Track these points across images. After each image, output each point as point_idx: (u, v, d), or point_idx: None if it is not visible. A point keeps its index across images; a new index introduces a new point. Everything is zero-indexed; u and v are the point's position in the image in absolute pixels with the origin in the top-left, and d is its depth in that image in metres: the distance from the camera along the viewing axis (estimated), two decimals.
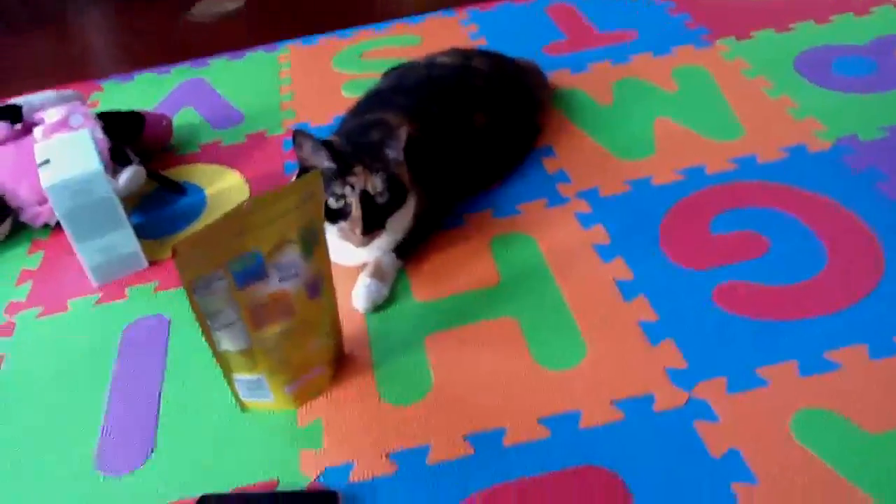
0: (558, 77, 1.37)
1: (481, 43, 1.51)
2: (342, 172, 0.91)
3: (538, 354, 0.88)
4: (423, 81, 1.14)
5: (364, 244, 0.93)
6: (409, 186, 0.97)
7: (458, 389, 0.85)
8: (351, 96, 1.38)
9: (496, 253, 1.02)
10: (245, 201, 0.73)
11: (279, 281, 0.78)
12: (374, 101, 1.14)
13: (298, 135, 0.92)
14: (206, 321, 0.77)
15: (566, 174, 1.14)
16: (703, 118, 1.21)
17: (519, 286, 0.97)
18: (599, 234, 1.03)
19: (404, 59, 1.35)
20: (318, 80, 1.48)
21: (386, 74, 1.32)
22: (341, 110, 1.22)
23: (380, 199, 0.92)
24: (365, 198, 0.91)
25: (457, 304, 0.96)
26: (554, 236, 1.03)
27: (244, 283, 0.76)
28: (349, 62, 1.53)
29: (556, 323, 0.91)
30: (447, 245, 1.04)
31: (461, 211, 1.10)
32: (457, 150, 1.09)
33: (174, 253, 0.70)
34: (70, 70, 1.68)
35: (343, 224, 0.92)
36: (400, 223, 0.98)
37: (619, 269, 0.97)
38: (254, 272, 0.76)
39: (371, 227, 0.92)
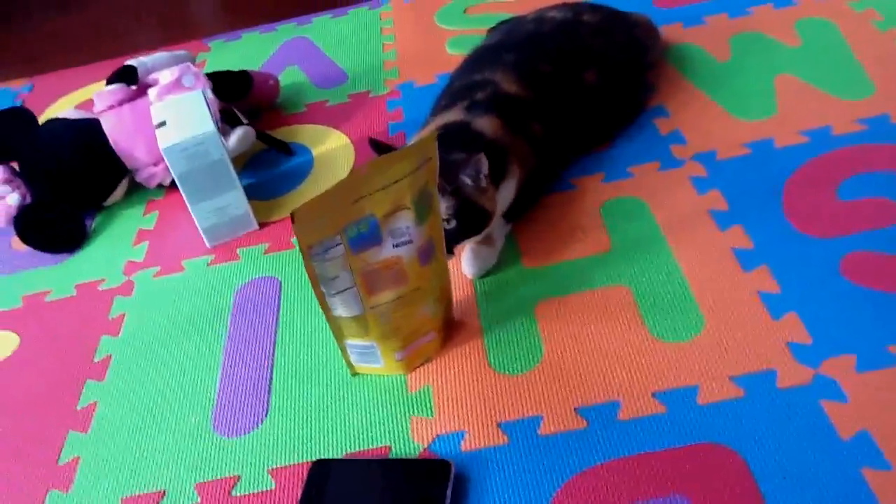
0: (671, 31, 1.30)
1: None
2: None
3: (652, 325, 0.85)
4: (531, 37, 1.11)
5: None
6: (516, 150, 0.94)
7: (570, 360, 0.84)
8: (455, 53, 1.36)
9: (607, 218, 0.99)
10: (362, 166, 0.73)
11: (393, 247, 0.78)
12: (481, 58, 1.12)
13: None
14: (321, 287, 0.77)
15: (680, 135, 1.10)
16: (829, 75, 1.14)
17: (632, 253, 0.94)
18: (717, 199, 0.98)
19: (510, 15, 1.31)
20: (421, 38, 1.46)
21: (491, 30, 1.29)
22: (446, 68, 1.20)
23: (447, 225, 0.88)
24: None
25: (567, 271, 0.94)
26: (668, 201, 1.00)
27: (359, 249, 0.76)
28: (453, 18, 1.50)
29: (671, 293, 0.88)
30: (557, 209, 1.02)
31: (570, 175, 1.07)
32: (566, 109, 1.05)
33: (293, 218, 0.70)
34: (176, 29, 1.71)
35: None
36: (506, 189, 0.95)
37: (738, 237, 0.93)
38: (369, 237, 0.76)
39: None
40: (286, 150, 1.23)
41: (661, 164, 1.06)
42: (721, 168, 1.03)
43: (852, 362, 0.77)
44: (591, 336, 0.85)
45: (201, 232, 1.08)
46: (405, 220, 0.77)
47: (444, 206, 0.87)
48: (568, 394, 0.80)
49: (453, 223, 0.88)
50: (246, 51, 1.55)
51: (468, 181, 0.88)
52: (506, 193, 0.95)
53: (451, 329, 0.90)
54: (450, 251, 0.88)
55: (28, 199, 1.17)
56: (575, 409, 0.79)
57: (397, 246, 0.78)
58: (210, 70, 1.27)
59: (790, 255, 0.89)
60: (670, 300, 0.87)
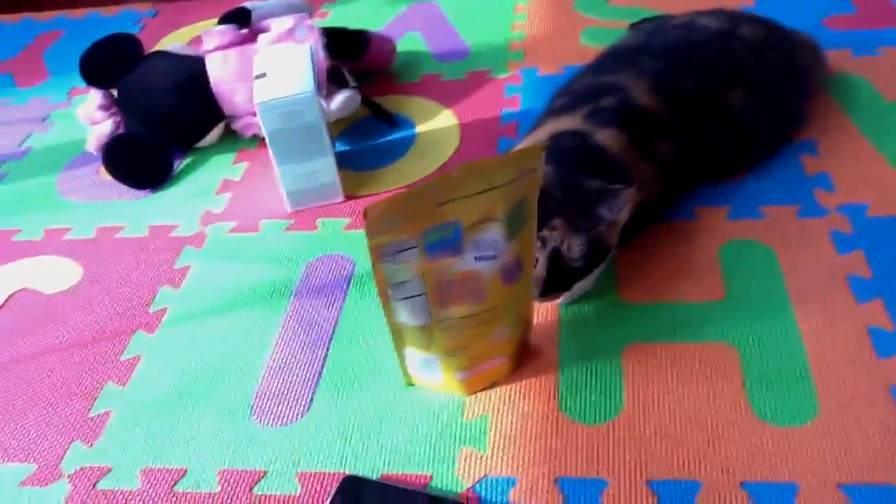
0: (837, 58, 1.15)
1: (749, 5, 1.31)
2: (539, 223, 0.74)
3: (756, 400, 0.73)
4: (677, 45, 0.98)
5: (540, 303, 0.81)
6: (638, 171, 0.83)
7: (652, 420, 0.73)
8: (588, 45, 1.25)
9: (725, 261, 0.87)
10: (455, 167, 0.63)
11: (475, 260, 0.68)
12: (616, 59, 1.00)
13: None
14: (388, 290, 0.69)
15: (828, 179, 0.95)
16: None
17: (747, 308, 0.81)
18: (859, 263, 0.84)
19: (658, 12, 1.19)
20: (555, 22, 1.35)
21: (634, 26, 1.17)
22: (575, 59, 1.09)
23: (572, 264, 0.78)
24: (554, 258, 0.77)
25: (668, 314, 0.82)
26: (800, 255, 0.86)
27: (436, 256, 0.67)
28: (593, 5, 1.38)
29: (785, 365, 0.76)
30: (670, 240, 0.90)
31: (693, 202, 0.95)
32: (703, 131, 0.93)
33: (365, 215, 0.62)
34: None
35: None
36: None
37: (877, 314, 0.79)
38: (449, 245, 0.67)
39: (553, 290, 0.79)
40: (390, 121, 1.15)
41: (801, 209, 0.92)
42: (870, 227, 0.88)
43: None
44: (683, 398, 0.74)
45: (284, 195, 1.01)
46: (493, 233, 0.67)
47: (576, 246, 0.77)
48: (643, 460, 0.70)
49: (581, 262, 0.78)
50: (371, 8, 1.47)
51: (607, 216, 0.78)
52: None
53: (524, 356, 0.80)
54: (567, 289, 0.80)
55: (121, 129, 1.14)
56: (647, 480, 0.68)
57: (480, 259, 0.68)
58: (328, 25, 1.20)
59: None
60: (783, 374, 0.75)
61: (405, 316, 0.71)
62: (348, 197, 1.03)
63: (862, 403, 0.71)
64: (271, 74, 0.97)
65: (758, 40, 1.01)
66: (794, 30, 1.09)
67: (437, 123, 1.15)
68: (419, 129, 1.14)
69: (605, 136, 0.85)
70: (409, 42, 1.34)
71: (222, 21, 1.15)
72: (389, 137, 1.14)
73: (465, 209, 0.65)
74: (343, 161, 1.06)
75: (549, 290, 0.79)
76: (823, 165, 0.98)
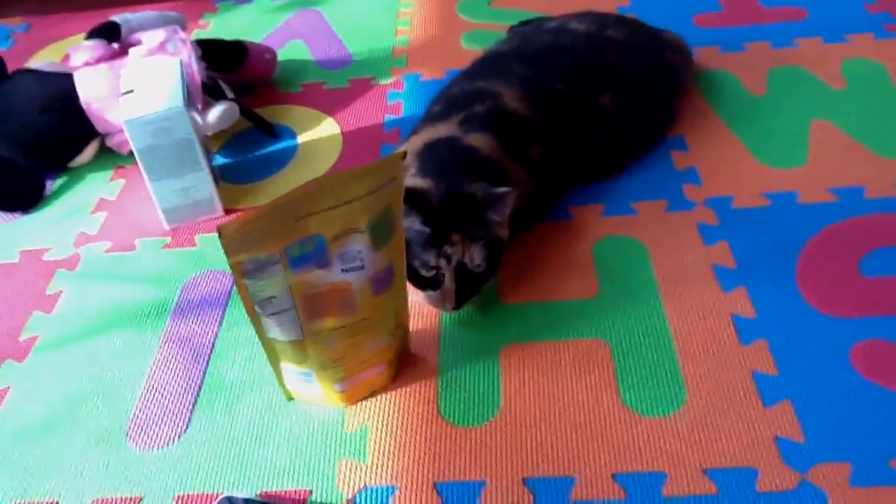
0: (705, 55, 1.19)
1: (625, 5, 1.35)
2: (437, 240, 0.77)
3: (626, 393, 0.75)
4: (548, 50, 1.00)
5: (454, 312, 0.82)
6: (511, 174, 0.85)
7: (528, 419, 0.74)
8: (470, 49, 1.26)
9: (599, 258, 0.89)
10: (312, 181, 0.63)
11: (342, 272, 0.68)
12: (490, 64, 1.01)
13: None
14: (255, 307, 0.68)
15: (696, 174, 0.99)
16: (872, 127, 1.02)
17: (619, 303, 0.84)
18: (724, 254, 0.88)
19: (537, 14, 1.21)
20: (437, 26, 1.36)
21: (510, 30, 1.19)
22: (457, 63, 1.10)
23: (476, 270, 0.79)
24: (461, 270, 0.79)
25: (545, 313, 0.84)
26: (669, 248, 0.89)
27: (302, 270, 0.66)
28: (476, 9, 1.39)
29: (655, 356, 0.78)
30: (546, 240, 0.92)
31: (568, 202, 0.97)
32: (576, 133, 0.95)
33: (220, 234, 0.61)
34: None
35: (432, 293, 0.80)
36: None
37: (741, 302, 0.82)
38: (313, 258, 0.67)
39: (465, 300, 0.80)
40: (270, 131, 1.14)
41: (670, 203, 0.95)
42: (735, 218, 0.92)
43: (847, 472, 0.67)
44: (557, 395, 0.76)
45: (160, 212, 0.99)
46: (358, 245, 0.67)
47: (477, 254, 0.78)
48: (519, 460, 0.71)
49: (484, 266, 0.79)
50: (254, 17, 1.45)
51: (496, 218, 0.79)
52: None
53: (405, 362, 0.80)
54: (476, 293, 0.81)
55: None
56: (524, 479, 0.69)
57: (347, 271, 0.68)
58: (210, 34, 1.18)
59: (795, 333, 0.78)
60: (651, 366, 0.77)
61: (276, 332, 0.70)
62: (228, 210, 1.02)
63: (725, 390, 0.74)
64: (139, 90, 0.94)
65: (626, 41, 1.04)
66: (661, 29, 1.13)
67: (319, 133, 1.14)
68: (300, 139, 1.13)
69: (478, 140, 0.86)
70: (291, 51, 1.33)
71: (91, 36, 1.11)
72: (270, 149, 1.12)
73: (325, 222, 0.65)
74: (223, 174, 1.04)
75: (461, 300, 0.80)
76: (692, 160, 1.01)
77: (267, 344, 0.72)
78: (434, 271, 0.79)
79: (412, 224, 0.77)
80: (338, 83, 1.24)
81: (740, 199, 0.95)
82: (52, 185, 1.11)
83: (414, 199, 0.77)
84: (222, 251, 0.62)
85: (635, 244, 0.90)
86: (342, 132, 1.13)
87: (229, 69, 1.18)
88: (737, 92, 1.12)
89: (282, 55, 1.28)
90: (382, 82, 1.23)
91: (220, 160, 1.11)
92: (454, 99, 0.95)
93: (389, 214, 0.69)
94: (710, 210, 0.94)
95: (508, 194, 0.79)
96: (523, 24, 1.21)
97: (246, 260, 0.64)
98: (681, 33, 1.15)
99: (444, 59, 1.26)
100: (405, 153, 0.68)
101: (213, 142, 1.12)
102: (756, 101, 1.10)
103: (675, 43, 1.12)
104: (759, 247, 0.88)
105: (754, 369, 0.76)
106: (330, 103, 1.20)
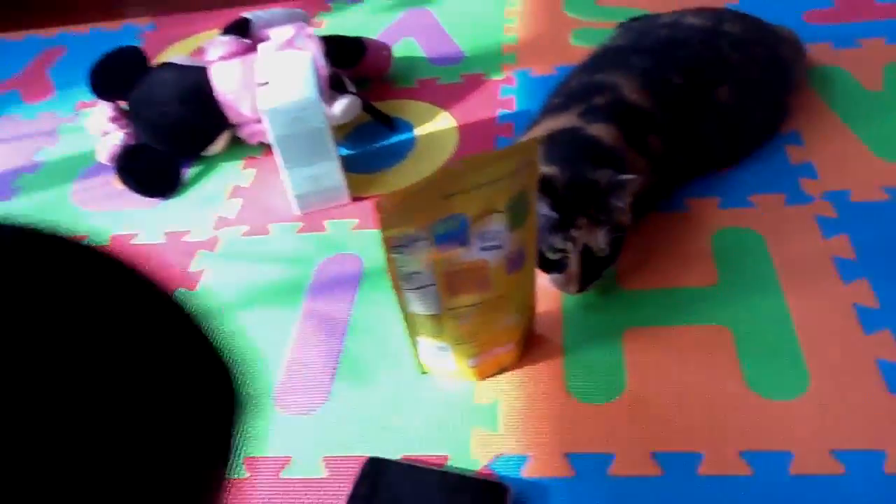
0: (818, 51, 1.19)
1: (734, 2, 1.35)
2: (564, 225, 0.81)
3: (750, 376, 0.77)
4: (665, 43, 1.03)
5: (578, 295, 0.86)
6: (632, 163, 0.88)
7: (654, 398, 0.77)
8: (579, 46, 1.29)
9: (717, 248, 0.91)
10: (458, 160, 0.68)
11: (481, 250, 0.73)
12: (607, 58, 1.04)
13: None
14: (400, 280, 0.73)
15: (813, 168, 1.00)
16: None
17: (739, 291, 0.86)
18: (844, 246, 0.89)
19: (646, 11, 1.23)
20: (545, 24, 1.39)
21: (622, 26, 1.21)
22: (566, 60, 1.13)
23: (600, 254, 0.83)
24: (585, 254, 0.82)
25: (665, 300, 0.87)
26: (788, 240, 0.91)
27: (445, 248, 0.71)
28: (583, 7, 1.42)
29: (777, 343, 0.80)
30: (664, 231, 0.95)
31: (685, 194, 0.99)
32: (692, 125, 0.97)
33: (378, 208, 0.66)
34: None
35: (557, 276, 0.84)
36: None
37: (863, 293, 0.83)
38: (456, 236, 0.71)
39: (588, 282, 0.84)
40: (389, 124, 1.19)
41: (788, 197, 0.96)
42: (854, 211, 0.93)
43: None
44: (681, 376, 0.79)
45: (291, 198, 1.05)
46: (497, 225, 0.72)
47: (601, 239, 0.82)
48: (647, 435, 0.74)
49: (607, 251, 0.83)
50: (367, 16, 1.51)
51: (620, 204, 0.83)
52: None
53: (530, 343, 0.84)
54: (599, 277, 0.84)
55: (132, 139, 1.18)
56: (651, 453, 0.72)
57: (485, 249, 0.73)
58: (325, 33, 1.24)
59: None
60: (774, 351, 0.79)
61: (417, 306, 0.75)
62: (355, 199, 1.07)
63: (850, 375, 0.76)
64: (274, 82, 1.01)
65: (742, 36, 1.05)
66: (776, 25, 1.14)
67: (436, 126, 1.19)
68: (418, 131, 1.18)
69: (600, 130, 0.90)
70: (405, 48, 1.38)
71: (225, 32, 1.19)
72: (390, 141, 1.18)
73: (469, 201, 0.69)
74: (348, 164, 1.09)
75: (585, 283, 0.84)
76: (808, 155, 1.02)
77: (407, 317, 0.77)
78: (560, 254, 0.82)
79: (540, 209, 0.81)
80: (451, 79, 1.29)
81: (859, 193, 0.95)
82: (187, 174, 1.18)
83: (541, 184, 0.81)
84: (379, 225, 0.67)
85: (754, 236, 0.92)
86: (458, 124, 1.18)
87: (349, 64, 1.23)
88: (852, 88, 1.12)
89: (395, 52, 1.34)
90: (494, 78, 1.27)
91: (343, 151, 1.16)
92: (573, 92, 0.98)
93: (525, 197, 0.73)
94: (828, 203, 0.95)
95: (632, 181, 0.82)
96: (633, 20, 1.23)
97: (397, 235, 0.69)
98: (792, 30, 1.16)
99: (553, 55, 1.29)
100: (539, 139, 0.72)
101: (336, 133, 1.17)
102: (873, 97, 1.10)
103: (789, 38, 1.13)
104: (880, 240, 0.89)
105: (879, 357, 0.77)
106: (444, 98, 1.24)
